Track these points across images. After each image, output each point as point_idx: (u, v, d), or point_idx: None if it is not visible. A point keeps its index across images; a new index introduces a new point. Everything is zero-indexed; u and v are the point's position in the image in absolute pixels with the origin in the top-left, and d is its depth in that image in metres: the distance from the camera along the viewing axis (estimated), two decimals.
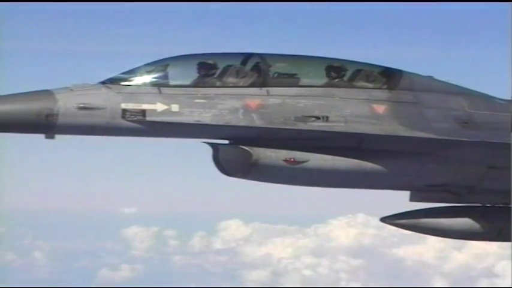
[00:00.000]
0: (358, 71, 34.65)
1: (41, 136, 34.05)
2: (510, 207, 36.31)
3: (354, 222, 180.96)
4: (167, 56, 34.83)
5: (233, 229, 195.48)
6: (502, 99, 36.26)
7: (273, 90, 33.55)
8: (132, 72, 33.42)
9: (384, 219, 36.71)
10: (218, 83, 33.63)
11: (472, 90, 35.64)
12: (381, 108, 33.77)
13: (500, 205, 36.72)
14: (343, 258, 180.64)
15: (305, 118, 33.33)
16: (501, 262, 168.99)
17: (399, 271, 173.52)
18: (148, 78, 33.15)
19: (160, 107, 32.92)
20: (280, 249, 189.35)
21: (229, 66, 33.96)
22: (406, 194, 36.61)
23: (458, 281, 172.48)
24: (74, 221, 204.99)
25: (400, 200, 37.82)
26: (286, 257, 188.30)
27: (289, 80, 33.97)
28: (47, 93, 32.23)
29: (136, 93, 32.92)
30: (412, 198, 36.37)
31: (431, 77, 35.17)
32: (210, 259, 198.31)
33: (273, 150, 33.49)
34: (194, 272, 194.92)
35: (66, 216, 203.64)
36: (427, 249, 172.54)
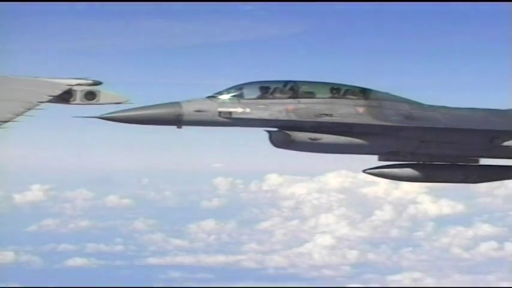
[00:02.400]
0: (347, 89, 34.37)
1: (174, 127, 33.46)
2: (433, 164, 36.31)
3: (340, 174, 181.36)
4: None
5: (273, 179, 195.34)
6: (427, 104, 35.56)
7: (302, 100, 33.31)
8: (223, 91, 33.10)
9: (364, 171, 36.25)
10: (271, 97, 33.24)
11: (411, 100, 35.46)
12: (361, 109, 33.56)
13: (427, 162, 36.10)
14: (334, 194, 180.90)
15: (320, 115, 33.08)
16: (420, 196, 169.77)
17: (363, 200, 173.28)
18: (233, 94, 32.77)
19: (239, 110, 32.65)
20: (299, 189, 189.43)
21: (277, 87, 33.66)
22: (375, 157, 36.32)
23: (396, 206, 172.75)
24: (185, 175, 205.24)
25: (370, 161, 37.49)
26: (303, 194, 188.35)
27: (310, 94, 33.66)
28: (177, 104, 32.17)
29: (226, 102, 32.65)
30: (379, 159, 36.06)
31: (388, 93, 34.90)
32: (261, 195, 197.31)
33: (302, 133, 33.18)
34: (253, 203, 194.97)
35: (181, 172, 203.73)
36: (379, 189, 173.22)
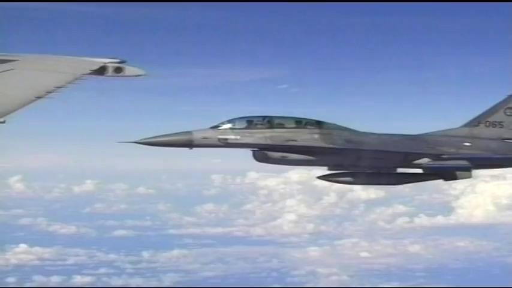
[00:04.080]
0: (307, 122, 33.89)
1: (187, 149, 33.03)
2: (366, 172, 35.66)
3: (298, 171, 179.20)
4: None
5: (252, 175, 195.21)
6: (362, 131, 35.04)
7: (276, 130, 32.87)
8: (221, 123, 32.63)
9: (318, 177, 35.94)
10: (254, 128, 32.82)
11: (351, 128, 34.68)
12: (316, 136, 33.10)
13: (362, 171, 35.68)
14: (295, 185, 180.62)
15: (288, 140, 32.63)
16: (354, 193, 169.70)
17: (315, 189, 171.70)
18: (228, 126, 32.31)
19: (232, 137, 32.20)
20: (271, 182, 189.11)
21: (258, 121, 33.21)
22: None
23: (338, 193, 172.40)
24: (191, 173, 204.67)
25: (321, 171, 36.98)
26: (273, 185, 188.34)
27: (281, 126, 33.24)
28: (189, 132, 31.72)
29: (223, 131, 32.19)
30: (329, 169, 35.20)
31: (335, 123, 34.49)
32: (244, 186, 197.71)
33: (275, 152, 32.80)
34: (239, 191, 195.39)
35: (188, 170, 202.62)
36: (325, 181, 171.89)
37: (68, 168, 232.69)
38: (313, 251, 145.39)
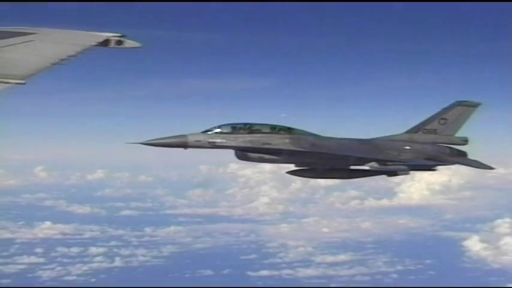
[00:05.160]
0: (280, 128, 33.27)
1: (182, 149, 32.44)
2: (325, 168, 34.39)
3: (271, 164, 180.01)
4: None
5: (232, 165, 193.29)
6: (325, 136, 33.59)
7: (254, 135, 32.33)
8: (211, 128, 31.86)
9: (286, 172, 35.32)
10: (237, 133, 32.28)
11: (316, 134, 33.44)
12: (287, 140, 32.75)
13: (322, 168, 35.16)
14: (268, 174, 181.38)
15: (264, 144, 32.29)
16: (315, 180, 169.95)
17: (284, 177, 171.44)
18: (215, 130, 31.69)
19: (219, 140, 31.63)
20: (248, 171, 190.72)
21: (241, 127, 32.65)
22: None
23: (303, 180, 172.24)
24: (183, 164, 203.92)
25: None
26: (250, 173, 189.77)
27: (259, 131, 32.72)
28: (185, 135, 30.95)
29: (212, 135, 31.58)
30: (296, 166, 34.44)
31: (303, 130, 33.78)
32: (226, 175, 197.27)
33: (254, 153, 32.44)
34: (222, 179, 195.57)
35: (180, 162, 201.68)
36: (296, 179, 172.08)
37: (82, 159, 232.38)
38: (284, 227, 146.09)
